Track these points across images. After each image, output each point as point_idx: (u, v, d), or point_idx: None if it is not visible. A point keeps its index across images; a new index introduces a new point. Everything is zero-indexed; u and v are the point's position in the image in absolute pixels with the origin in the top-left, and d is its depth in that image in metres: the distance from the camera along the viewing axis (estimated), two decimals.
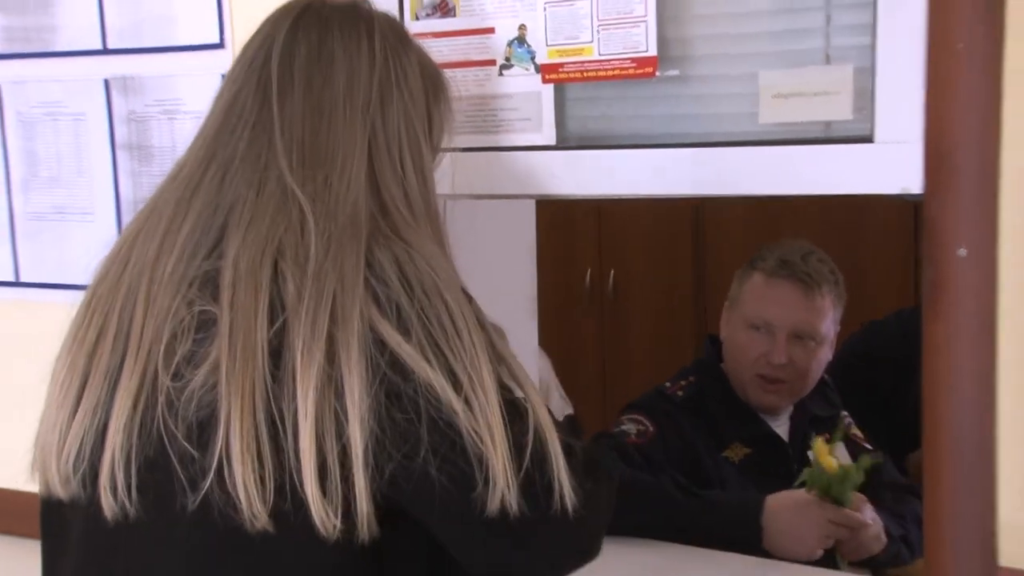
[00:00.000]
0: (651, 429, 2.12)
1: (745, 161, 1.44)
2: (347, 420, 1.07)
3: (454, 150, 1.41)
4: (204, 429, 1.11)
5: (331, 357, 1.08)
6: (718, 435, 2.18)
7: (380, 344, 1.09)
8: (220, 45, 1.78)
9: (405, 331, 1.10)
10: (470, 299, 1.18)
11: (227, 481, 1.09)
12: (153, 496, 1.14)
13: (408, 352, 1.09)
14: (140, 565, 1.17)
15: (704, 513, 1.92)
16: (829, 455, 1.96)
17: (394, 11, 1.61)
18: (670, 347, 3.91)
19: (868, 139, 1.37)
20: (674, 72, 1.47)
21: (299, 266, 1.12)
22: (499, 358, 1.15)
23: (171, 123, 1.84)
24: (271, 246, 1.14)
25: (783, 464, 2.19)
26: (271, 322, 1.11)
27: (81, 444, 1.17)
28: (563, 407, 2.85)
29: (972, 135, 1.27)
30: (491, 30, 1.56)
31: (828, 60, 1.40)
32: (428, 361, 1.09)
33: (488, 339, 1.15)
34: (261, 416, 1.09)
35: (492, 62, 1.57)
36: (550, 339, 4.07)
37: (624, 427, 2.14)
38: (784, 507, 1.94)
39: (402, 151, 1.23)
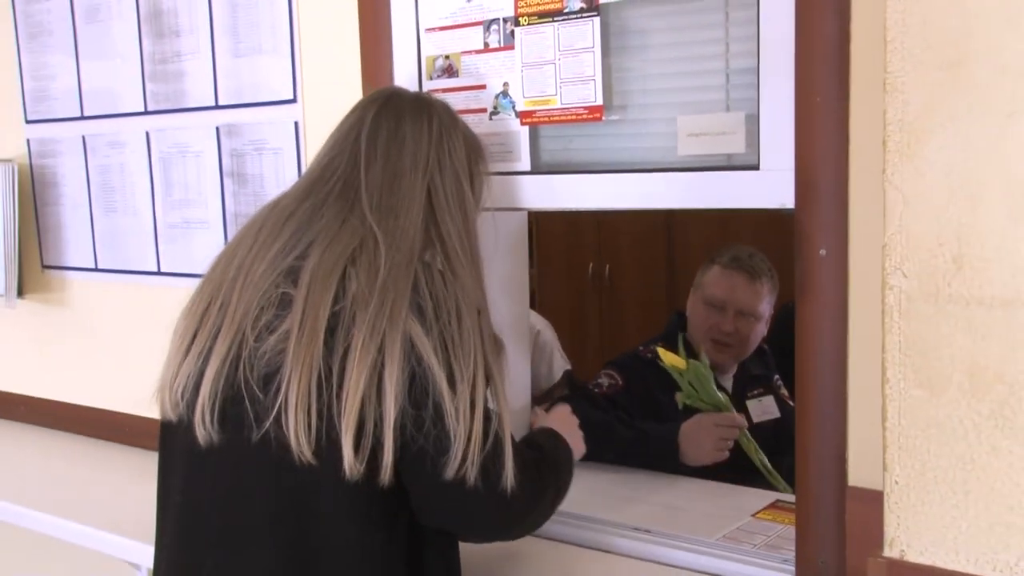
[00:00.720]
0: (620, 382, 2.11)
1: (668, 182, 1.43)
2: (383, 397, 1.09)
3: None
4: (269, 380, 1.13)
5: (380, 349, 1.10)
6: (677, 387, 2.16)
7: (411, 340, 1.11)
8: (294, 100, 1.80)
9: (427, 332, 1.12)
10: (486, 320, 1.20)
11: (283, 424, 1.11)
12: (230, 427, 1.16)
13: (424, 345, 1.11)
14: (224, 482, 1.20)
15: (639, 440, 1.92)
16: (669, 353, 1.92)
17: (414, 74, 1.62)
18: (651, 320, 3.86)
19: (756, 167, 1.35)
20: (616, 117, 1.46)
21: (369, 278, 1.14)
22: (488, 373, 1.16)
23: (260, 157, 1.86)
24: (344, 256, 1.16)
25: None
26: (333, 307, 1.13)
27: (187, 380, 1.20)
28: (563, 364, 2.82)
29: (828, 164, 1.25)
30: (483, 86, 1.56)
31: (728, 109, 1.38)
32: (436, 355, 1.11)
33: (485, 355, 1.16)
34: (314, 380, 1.10)
35: (484, 110, 1.56)
36: (561, 316, 4.07)
37: (600, 380, 2.14)
38: (688, 425, 1.93)
39: (453, 202, 1.26)
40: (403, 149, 1.25)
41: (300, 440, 1.09)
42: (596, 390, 2.09)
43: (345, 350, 1.10)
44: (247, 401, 1.14)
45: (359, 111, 1.31)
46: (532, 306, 3.95)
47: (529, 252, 4.65)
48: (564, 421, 1.45)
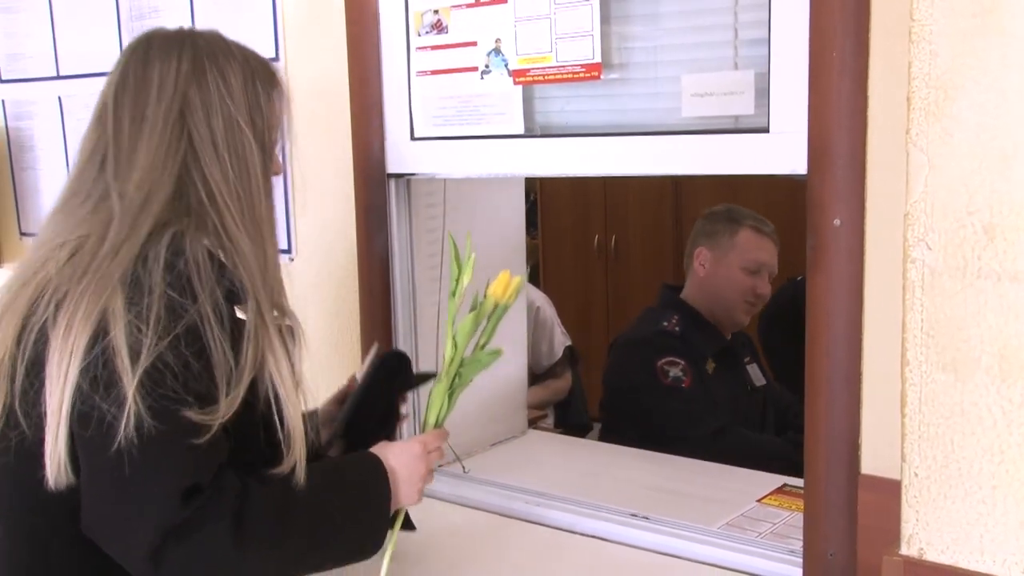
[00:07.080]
0: (689, 369, 2.06)
1: (671, 146, 1.33)
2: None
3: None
4: None
5: (68, 330, 0.98)
6: (700, 356, 2.13)
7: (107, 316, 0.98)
8: (276, 59, 1.69)
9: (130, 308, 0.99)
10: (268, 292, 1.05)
11: None
12: None
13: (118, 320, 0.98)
14: None
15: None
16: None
17: (402, 30, 1.52)
18: (656, 292, 3.81)
19: (765, 130, 1.25)
20: (615, 76, 1.36)
21: (82, 260, 1.02)
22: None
23: None
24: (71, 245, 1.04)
25: (737, 367, 2.20)
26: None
27: None
28: (563, 340, 2.74)
29: (844, 127, 1.15)
30: (474, 43, 1.46)
31: (736, 67, 1.28)
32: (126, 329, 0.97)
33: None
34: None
35: (475, 68, 1.46)
36: (568, 287, 4.00)
37: (672, 373, 2.04)
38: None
39: (222, 146, 1.07)
40: (148, 94, 1.07)
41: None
42: (682, 385, 2.02)
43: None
44: None
45: (113, 67, 1.13)
46: (536, 279, 3.89)
47: (534, 223, 4.57)
48: (410, 461, 1.16)
